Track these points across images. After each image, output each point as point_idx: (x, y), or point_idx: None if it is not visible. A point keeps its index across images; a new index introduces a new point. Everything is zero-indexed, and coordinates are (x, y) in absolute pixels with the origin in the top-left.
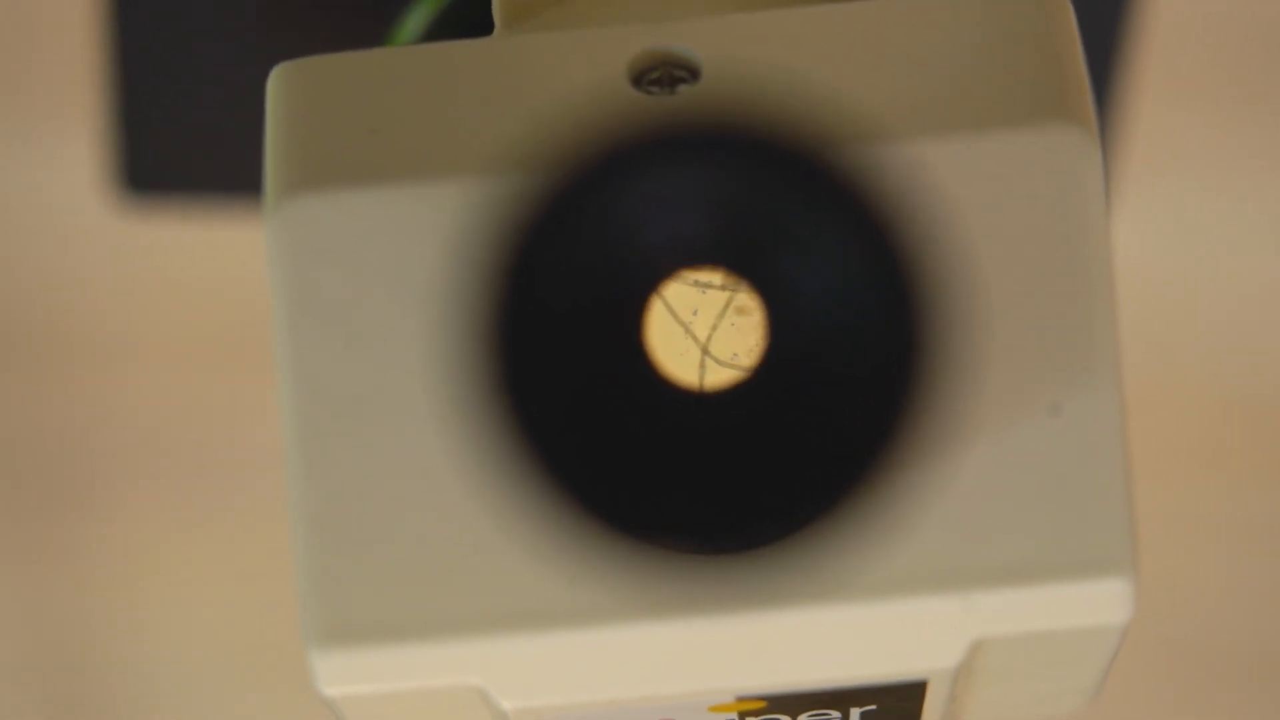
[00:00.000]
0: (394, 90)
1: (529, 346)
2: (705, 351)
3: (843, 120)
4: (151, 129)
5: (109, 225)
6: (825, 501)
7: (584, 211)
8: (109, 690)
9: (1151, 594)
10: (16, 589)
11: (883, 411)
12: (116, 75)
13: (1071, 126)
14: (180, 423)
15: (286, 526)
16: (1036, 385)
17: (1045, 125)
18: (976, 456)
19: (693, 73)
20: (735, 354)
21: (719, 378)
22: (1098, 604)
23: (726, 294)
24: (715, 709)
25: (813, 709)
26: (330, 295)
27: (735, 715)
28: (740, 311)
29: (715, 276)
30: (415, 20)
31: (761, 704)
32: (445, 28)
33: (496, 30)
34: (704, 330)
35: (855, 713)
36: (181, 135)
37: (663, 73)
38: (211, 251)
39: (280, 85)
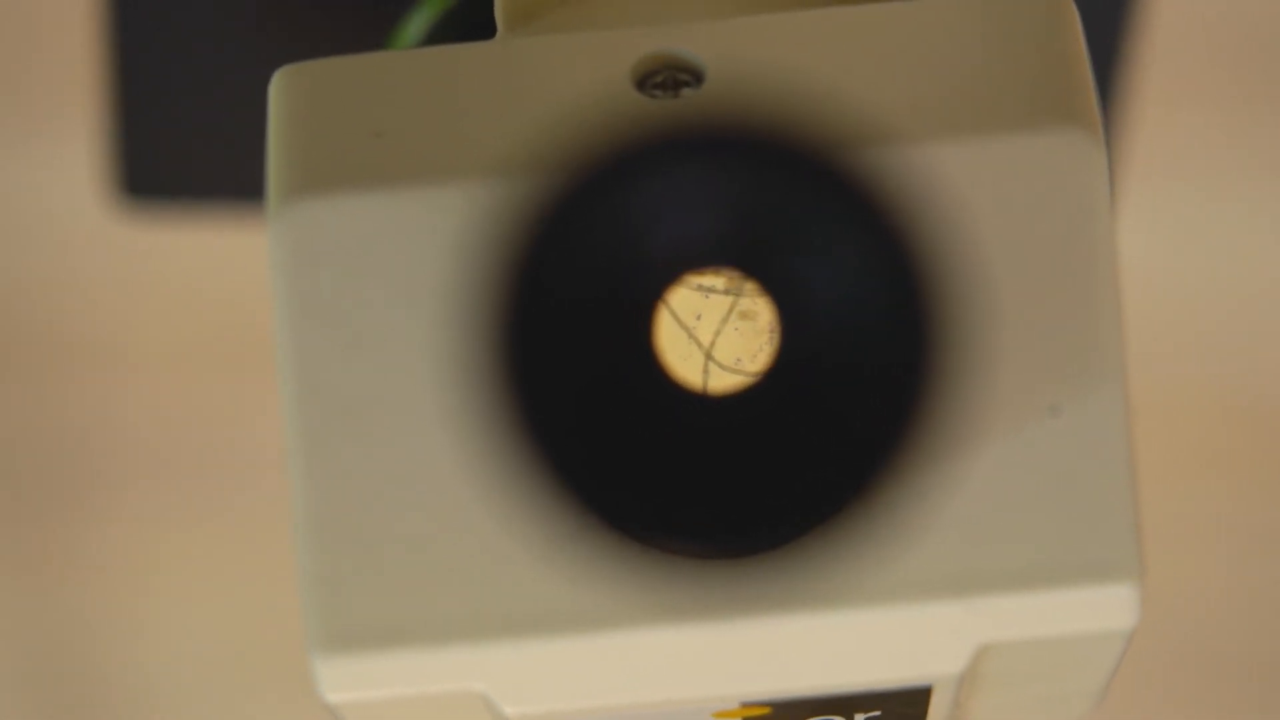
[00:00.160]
0: (396, 93)
1: (537, 348)
2: (709, 356)
3: (848, 123)
4: (151, 133)
5: (108, 229)
6: (832, 506)
7: (595, 212)
8: (109, 693)
9: (1152, 598)
10: (15, 592)
11: (891, 414)
12: (116, 79)
13: (1077, 130)
14: (179, 426)
15: (287, 530)
16: (1042, 389)
17: (1051, 129)
18: (982, 461)
19: (696, 76)
20: (739, 359)
21: (727, 380)
22: (1104, 609)
23: (730, 298)
24: (719, 715)
25: (817, 715)
26: (332, 299)
27: None
28: (744, 316)
29: (719, 280)
30: (416, 24)
31: (766, 710)
32: (446, 31)
33: (499, 33)
34: (708, 335)
35: (859, 718)
36: (181, 139)
37: (666, 76)
38: (211, 256)
39: (282, 89)
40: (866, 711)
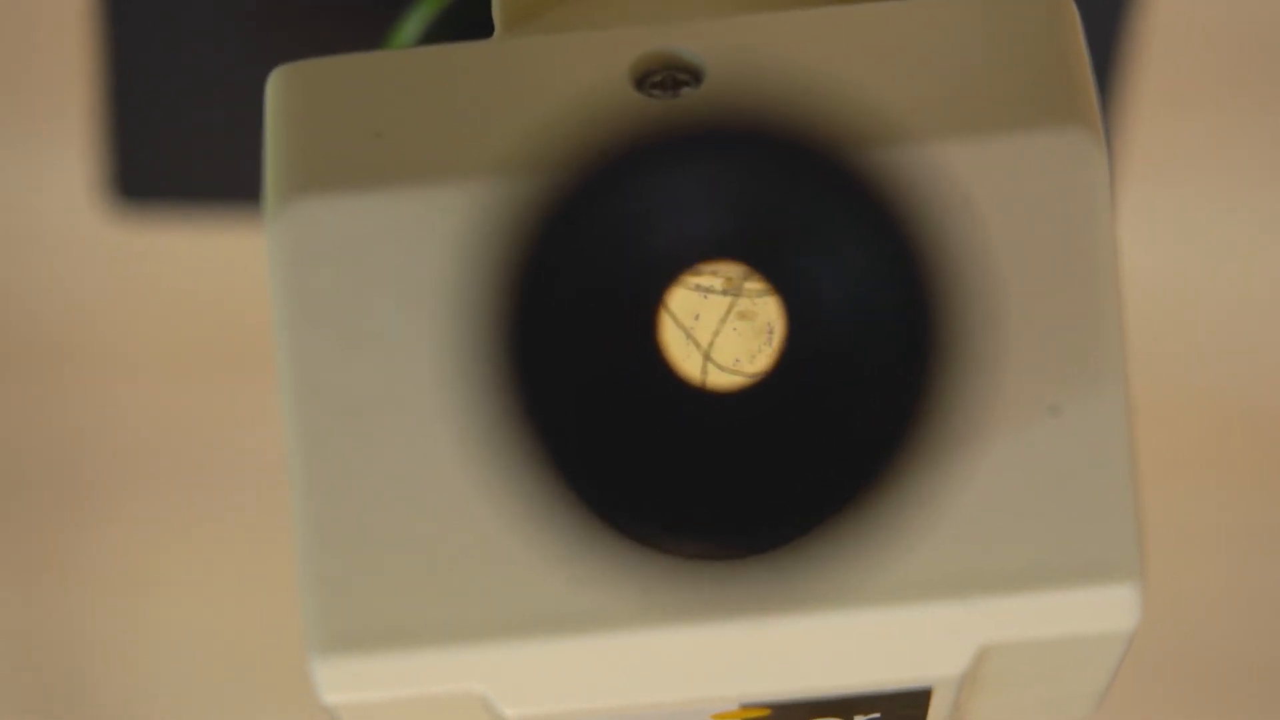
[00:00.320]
0: (395, 93)
1: (540, 346)
2: (707, 357)
3: (848, 122)
4: (146, 136)
5: (103, 233)
6: (833, 506)
7: (599, 209)
8: (106, 696)
9: (1152, 600)
10: (12, 595)
11: (894, 414)
12: (110, 80)
13: (1078, 129)
14: (177, 430)
15: (284, 535)
16: (1043, 388)
17: (1051, 127)
18: (983, 461)
19: (695, 76)
20: (738, 359)
21: (727, 380)
22: (1105, 610)
23: (729, 299)
24: (719, 716)
25: (816, 717)
26: (332, 299)
27: None
28: (743, 316)
29: (718, 281)
30: (413, 24)
31: (765, 711)
32: (443, 31)
33: (496, 33)
34: (706, 336)
35: None
36: (176, 141)
37: (665, 75)
38: (206, 259)
39: (279, 88)
40: (866, 713)
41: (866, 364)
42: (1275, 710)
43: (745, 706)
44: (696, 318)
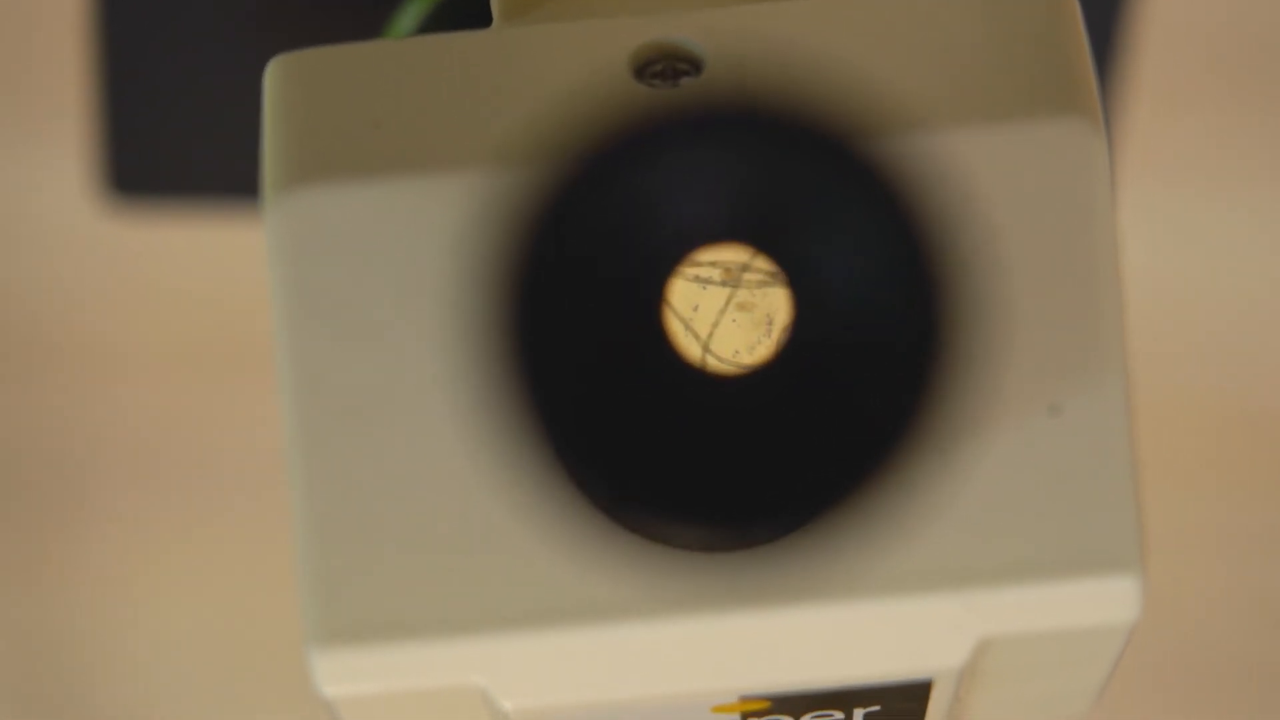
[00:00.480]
0: (393, 82)
1: (543, 334)
2: (706, 349)
3: (850, 110)
4: (140, 130)
5: (97, 229)
6: (834, 496)
7: (604, 195)
8: (102, 698)
9: (1152, 601)
10: (7, 596)
11: (899, 403)
12: (104, 75)
13: (1078, 118)
14: (175, 428)
15: (283, 534)
16: (1043, 380)
17: (1052, 116)
18: (983, 452)
19: (695, 65)
20: (737, 351)
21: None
22: (1105, 602)
23: (728, 291)
24: (718, 709)
25: (816, 709)
26: (330, 289)
27: (738, 716)
28: (742, 308)
29: (716, 272)
30: (411, 14)
31: (765, 704)
32: (441, 21)
33: (495, 22)
34: (705, 327)
35: (859, 714)
36: (171, 136)
37: (665, 65)
38: (202, 255)
39: (277, 78)
40: (866, 706)
41: (870, 352)
42: (1275, 710)
43: (745, 698)
44: (695, 309)
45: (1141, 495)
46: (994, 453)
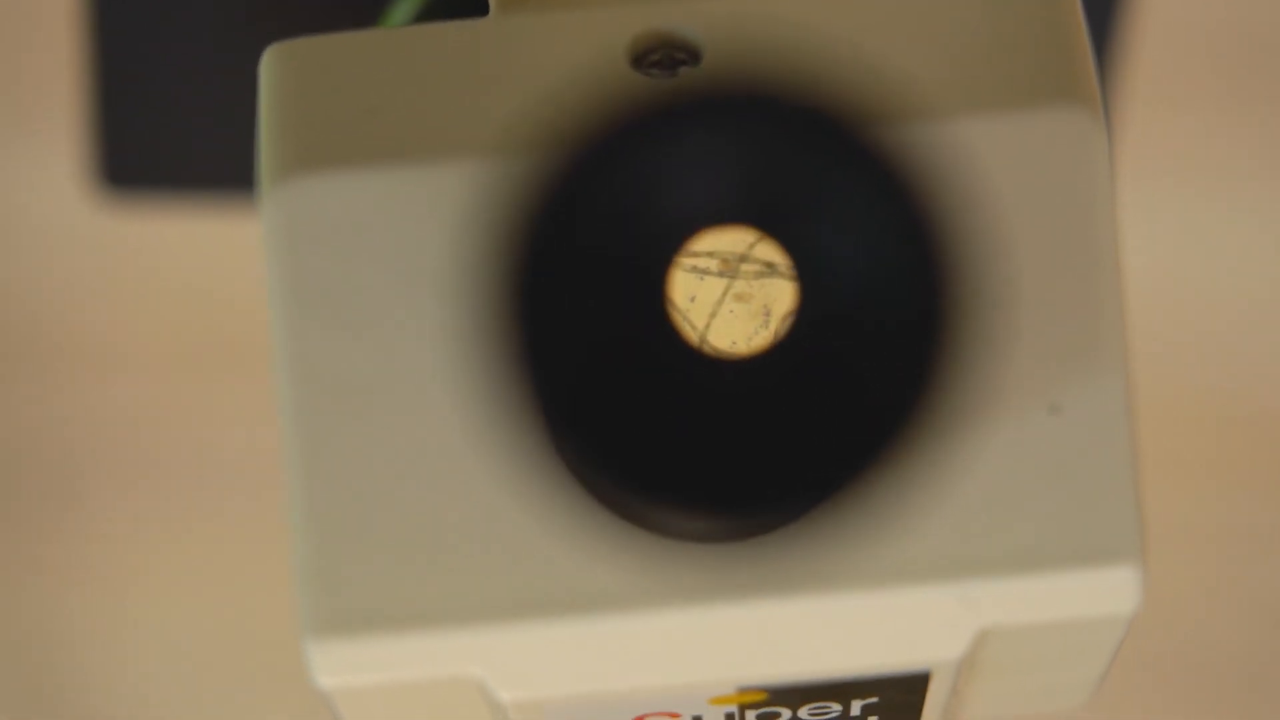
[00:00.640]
0: (390, 71)
1: (543, 323)
2: (704, 340)
3: (850, 98)
4: (133, 124)
5: (90, 223)
6: (833, 486)
7: (606, 181)
8: (98, 697)
9: (1151, 600)
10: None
11: (900, 391)
12: (96, 68)
13: (1078, 108)
14: (170, 425)
15: (280, 532)
16: (1044, 370)
17: (1051, 106)
18: (984, 443)
19: (693, 54)
20: (734, 341)
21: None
22: (1105, 593)
23: (725, 281)
24: (716, 700)
25: (814, 701)
26: (327, 278)
27: (736, 707)
28: (739, 298)
29: (714, 263)
30: (405, 6)
31: (763, 695)
32: (436, 15)
33: (492, 11)
34: (702, 318)
35: (856, 705)
36: (165, 130)
37: (663, 54)
38: (198, 249)
39: (273, 67)
40: (864, 698)
41: (872, 341)
42: (1275, 710)
43: (743, 690)
44: (693, 300)
45: (1142, 486)
46: (993, 442)
